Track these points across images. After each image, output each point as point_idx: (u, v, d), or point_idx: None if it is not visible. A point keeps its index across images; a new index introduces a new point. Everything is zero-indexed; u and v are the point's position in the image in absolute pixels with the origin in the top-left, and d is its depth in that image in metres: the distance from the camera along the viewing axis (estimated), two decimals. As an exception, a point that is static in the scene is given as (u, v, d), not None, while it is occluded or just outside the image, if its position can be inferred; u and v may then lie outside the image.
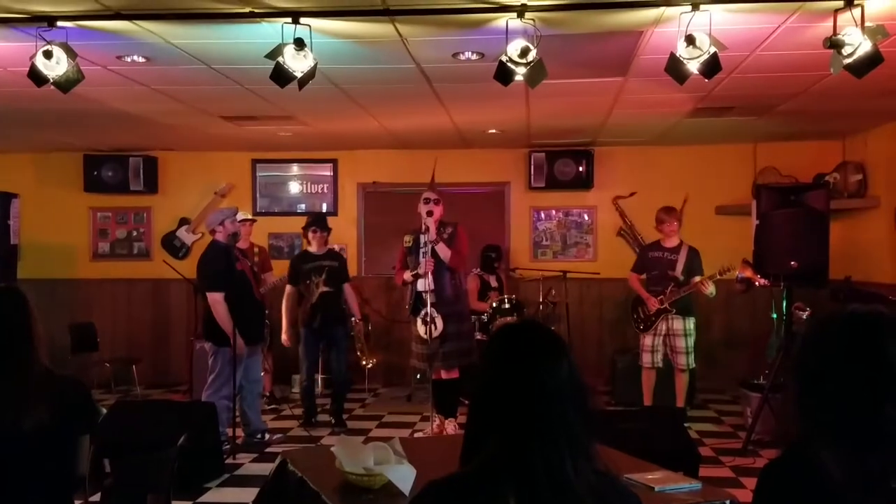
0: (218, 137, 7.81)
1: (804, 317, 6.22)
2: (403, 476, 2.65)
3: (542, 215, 8.70)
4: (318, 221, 6.75)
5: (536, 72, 4.03)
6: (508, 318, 7.05)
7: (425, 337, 5.74)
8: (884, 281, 6.69)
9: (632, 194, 8.30)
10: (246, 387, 5.96)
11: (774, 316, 6.87)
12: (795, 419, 1.68)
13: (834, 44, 3.76)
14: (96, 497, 3.44)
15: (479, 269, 7.68)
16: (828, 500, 1.54)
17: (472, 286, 7.43)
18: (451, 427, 5.91)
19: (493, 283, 7.71)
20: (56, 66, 4.08)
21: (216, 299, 5.68)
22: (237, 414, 5.95)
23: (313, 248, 6.68)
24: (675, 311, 6.47)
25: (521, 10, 3.85)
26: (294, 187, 8.91)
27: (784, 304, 6.26)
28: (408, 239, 6.03)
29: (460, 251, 5.93)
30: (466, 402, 1.68)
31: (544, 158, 8.37)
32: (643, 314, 6.64)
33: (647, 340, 6.60)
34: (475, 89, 5.57)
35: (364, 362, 7.37)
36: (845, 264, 7.06)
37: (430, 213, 5.80)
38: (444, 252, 5.79)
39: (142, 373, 8.18)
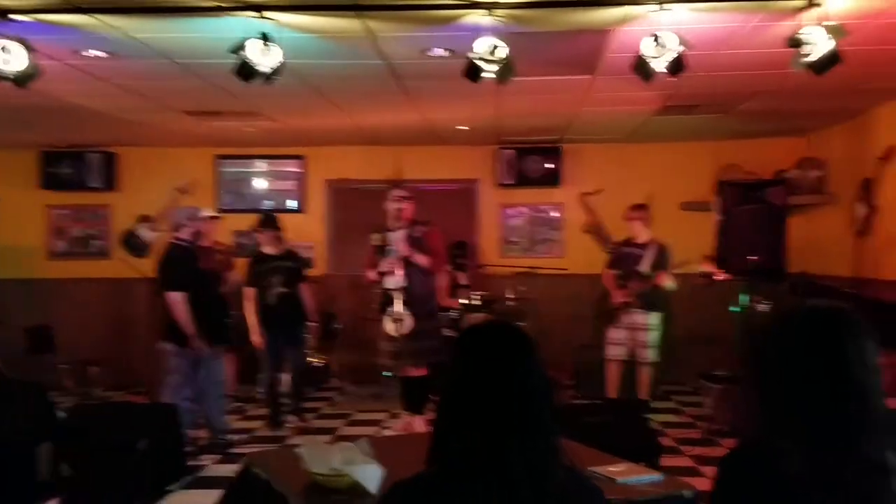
0: (180, 133, 7.69)
1: (764, 310, 6.33)
2: (371, 476, 2.63)
3: (512, 212, 8.72)
4: (263, 222, 6.65)
5: (505, 69, 4.04)
6: (478, 315, 7.06)
7: (394, 335, 5.72)
8: (841, 274, 6.82)
9: (598, 191, 8.34)
10: (209, 388, 5.88)
11: (735, 310, 6.96)
12: (754, 412, 1.70)
13: (795, 43, 3.82)
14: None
15: (449, 266, 7.67)
16: (786, 493, 1.55)
17: (443, 283, 7.41)
18: (419, 424, 5.90)
19: (463, 281, 7.71)
20: (12, 61, 3.97)
21: (176, 299, 5.58)
22: (200, 415, 5.87)
23: (268, 249, 6.60)
24: (639, 305, 6.55)
25: (490, 7, 3.85)
26: (260, 184, 8.81)
27: (745, 298, 6.36)
28: (376, 237, 5.99)
29: (438, 253, 5.93)
30: (435, 399, 1.67)
31: (514, 155, 8.39)
32: (609, 308, 6.72)
33: (613, 334, 6.70)
34: (444, 86, 5.55)
35: (314, 360, 7.33)
36: (804, 259, 7.20)
37: (400, 211, 5.78)
38: (422, 261, 5.77)
39: (101, 375, 8.03)
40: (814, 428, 1.59)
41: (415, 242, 5.82)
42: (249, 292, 6.52)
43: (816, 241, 7.56)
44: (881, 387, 1.62)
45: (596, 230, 8.42)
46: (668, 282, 6.51)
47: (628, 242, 6.82)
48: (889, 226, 6.29)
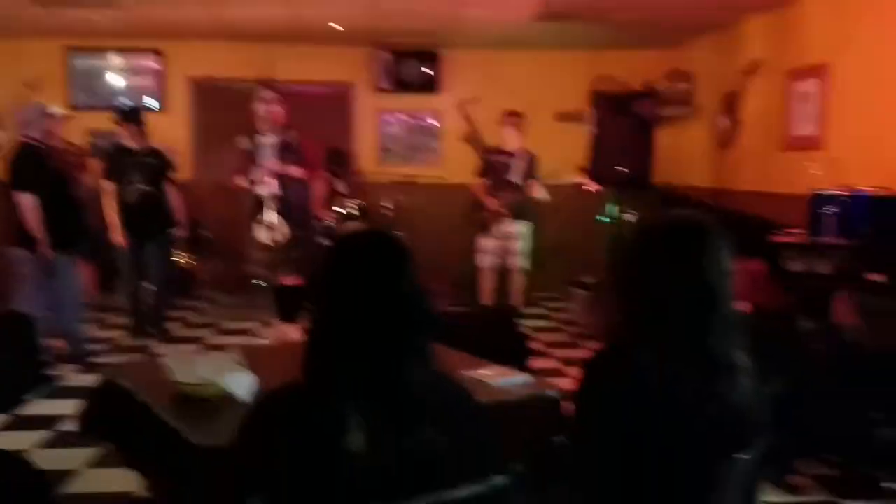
0: (26, 23, 6.97)
1: (630, 220, 6.60)
2: (241, 384, 2.57)
3: (389, 119, 8.56)
4: (125, 115, 6.22)
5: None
6: (354, 224, 6.97)
7: (268, 243, 5.57)
8: (703, 185, 7.17)
9: (475, 99, 8.30)
10: (65, 295, 5.55)
11: (602, 219, 7.23)
12: (618, 316, 1.77)
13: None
14: None
15: (327, 174, 7.48)
16: (644, 391, 1.63)
17: (320, 191, 7.25)
18: (294, 333, 5.84)
19: (341, 188, 7.55)
20: None
21: (26, 202, 5.18)
22: (57, 324, 5.57)
23: (129, 143, 6.19)
24: (511, 214, 6.66)
25: None
26: (115, 80, 8.18)
27: (612, 209, 6.61)
28: (245, 141, 5.73)
29: (312, 161, 5.76)
30: (310, 307, 1.64)
31: (391, 59, 8.16)
32: (482, 217, 6.80)
33: (485, 243, 6.80)
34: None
35: (183, 262, 7.09)
36: (670, 170, 7.51)
37: (271, 114, 5.53)
38: (295, 172, 5.58)
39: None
40: (669, 330, 1.67)
41: (287, 148, 5.61)
42: (109, 186, 6.13)
43: (682, 153, 7.87)
44: (732, 291, 1.71)
45: (474, 139, 8.42)
46: (540, 192, 6.64)
47: (498, 150, 6.85)
48: (748, 139, 6.63)
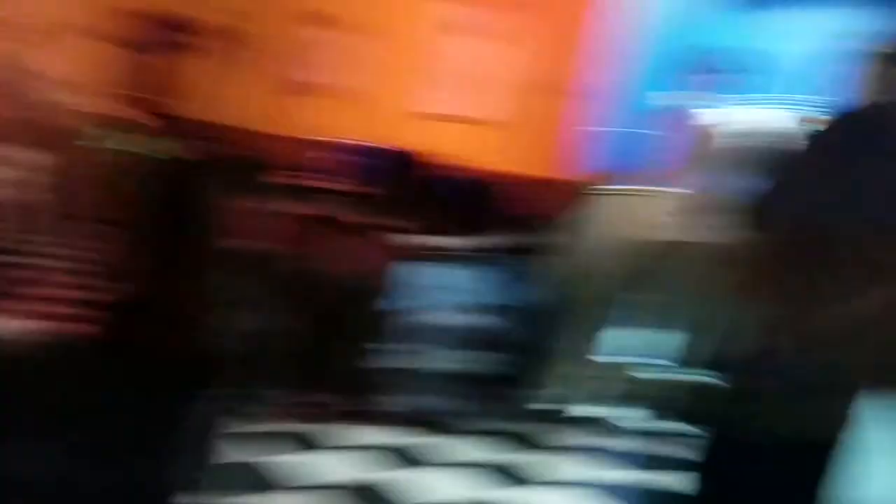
0: None
1: (151, 156, 6.36)
2: None
3: None
4: None
5: None
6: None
7: None
8: (232, 125, 7.14)
9: None
10: None
11: (122, 150, 6.82)
12: (130, 256, 1.79)
13: None
14: None
15: None
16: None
17: None
18: None
19: None
20: None
21: None
22: None
23: None
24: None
25: None
26: None
27: (134, 139, 6.26)
28: None
29: None
30: None
31: None
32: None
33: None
34: None
35: None
36: (209, 106, 7.34)
37: None
38: None
39: None
40: (174, 266, 1.75)
41: None
42: None
43: (223, 91, 7.73)
44: (234, 229, 1.84)
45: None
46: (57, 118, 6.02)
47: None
48: (272, 82, 6.80)
